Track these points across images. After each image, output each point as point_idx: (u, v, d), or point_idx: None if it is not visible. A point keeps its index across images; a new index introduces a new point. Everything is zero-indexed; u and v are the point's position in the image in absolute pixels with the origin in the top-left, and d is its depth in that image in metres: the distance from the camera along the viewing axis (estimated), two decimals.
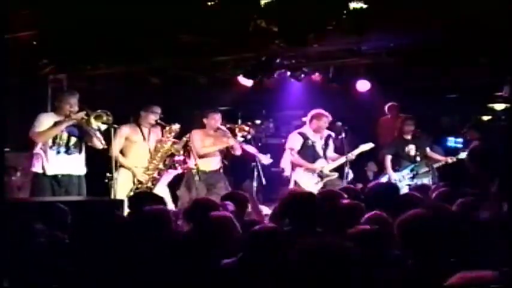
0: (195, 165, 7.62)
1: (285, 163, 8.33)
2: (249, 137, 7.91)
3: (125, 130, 7.62)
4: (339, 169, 8.23)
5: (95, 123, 6.87)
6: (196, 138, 7.85)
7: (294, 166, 8.25)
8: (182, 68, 9.35)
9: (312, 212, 4.19)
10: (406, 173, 8.53)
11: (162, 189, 7.57)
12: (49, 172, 6.84)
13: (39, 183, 6.86)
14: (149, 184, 7.58)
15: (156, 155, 7.63)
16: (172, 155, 7.66)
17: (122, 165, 7.45)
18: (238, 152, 7.96)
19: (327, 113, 8.30)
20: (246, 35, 6.78)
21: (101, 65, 8.46)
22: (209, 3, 6.17)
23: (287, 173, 8.29)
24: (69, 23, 6.68)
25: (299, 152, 8.23)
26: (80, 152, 7.04)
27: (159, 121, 7.63)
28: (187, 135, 7.80)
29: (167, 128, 7.61)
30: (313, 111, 8.36)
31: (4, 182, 6.22)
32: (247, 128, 7.86)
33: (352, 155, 8.20)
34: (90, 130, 6.93)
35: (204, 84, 9.33)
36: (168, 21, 6.77)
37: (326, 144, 8.38)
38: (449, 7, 6.04)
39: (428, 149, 8.81)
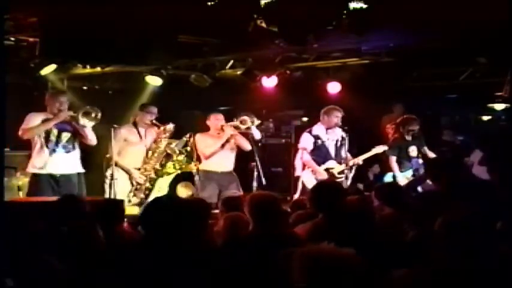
0: (195, 165, 7.66)
1: (297, 163, 8.26)
2: (256, 122, 7.88)
3: (123, 132, 7.63)
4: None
5: (82, 120, 6.83)
6: (200, 140, 7.88)
7: (304, 166, 8.13)
8: (182, 68, 9.35)
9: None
10: (409, 174, 8.44)
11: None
12: (46, 171, 6.83)
13: (38, 183, 6.84)
14: (147, 184, 7.60)
15: (153, 155, 7.65)
16: (169, 156, 7.68)
17: (118, 166, 7.44)
18: (247, 147, 7.92)
19: (337, 107, 8.15)
20: (246, 35, 6.77)
21: (100, 64, 8.46)
22: (209, 3, 6.16)
23: (298, 172, 8.18)
24: (69, 23, 6.67)
25: (311, 152, 8.09)
26: (74, 148, 7.02)
27: (154, 121, 7.62)
28: (187, 135, 7.81)
29: (161, 128, 7.61)
30: (324, 108, 8.22)
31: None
32: (247, 118, 7.83)
33: (366, 155, 8.17)
34: (79, 127, 6.90)
35: (204, 84, 9.31)
36: (168, 21, 6.77)
37: (341, 144, 8.11)
38: (449, 7, 6.03)
39: (426, 148, 8.74)
